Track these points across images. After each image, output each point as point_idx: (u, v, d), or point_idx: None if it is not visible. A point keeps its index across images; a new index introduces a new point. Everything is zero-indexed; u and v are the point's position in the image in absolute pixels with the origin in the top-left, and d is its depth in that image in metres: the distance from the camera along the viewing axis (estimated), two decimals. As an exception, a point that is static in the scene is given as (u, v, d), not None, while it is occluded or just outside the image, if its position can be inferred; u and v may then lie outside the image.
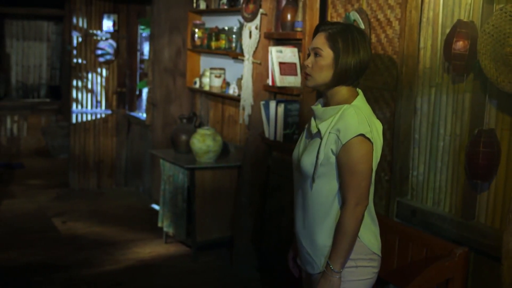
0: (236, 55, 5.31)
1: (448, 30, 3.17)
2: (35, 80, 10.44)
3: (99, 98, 7.64)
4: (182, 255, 5.32)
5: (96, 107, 7.63)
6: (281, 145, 4.64)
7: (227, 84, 5.64)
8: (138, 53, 7.70)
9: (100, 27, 7.53)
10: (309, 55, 2.46)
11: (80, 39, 7.47)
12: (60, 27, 10.12)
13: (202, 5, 5.95)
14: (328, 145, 2.35)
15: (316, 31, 2.47)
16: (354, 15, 3.87)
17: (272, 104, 4.62)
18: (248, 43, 4.95)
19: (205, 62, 6.16)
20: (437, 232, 3.22)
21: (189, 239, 5.29)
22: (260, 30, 4.84)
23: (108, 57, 7.56)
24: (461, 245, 3.02)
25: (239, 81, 5.34)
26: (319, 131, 2.40)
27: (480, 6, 3.03)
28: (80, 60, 7.50)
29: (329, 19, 4.19)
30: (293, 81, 4.62)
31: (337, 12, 4.10)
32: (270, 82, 4.72)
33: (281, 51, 4.63)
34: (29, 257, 5.21)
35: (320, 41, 2.40)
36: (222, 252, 5.34)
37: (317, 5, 4.31)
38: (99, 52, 7.52)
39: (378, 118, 3.69)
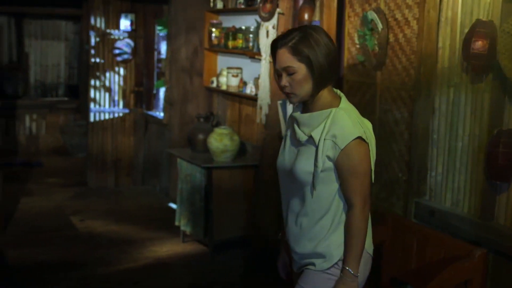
0: (253, 54, 5.32)
1: (467, 30, 3.15)
2: (54, 79, 10.52)
3: (116, 97, 7.68)
4: (199, 254, 5.34)
5: (114, 106, 7.67)
6: (298, 144, 4.63)
7: (244, 83, 5.64)
8: (155, 53, 7.74)
9: (117, 27, 7.57)
10: (280, 75, 2.35)
11: (98, 39, 7.51)
12: (78, 27, 10.19)
13: (219, 5, 5.96)
14: (325, 152, 2.29)
15: (275, 47, 2.36)
16: (372, 15, 3.86)
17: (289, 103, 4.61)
18: (265, 43, 4.94)
19: (222, 61, 6.17)
20: (456, 233, 3.20)
21: (207, 238, 5.31)
22: (277, 30, 4.84)
23: (125, 56, 7.59)
24: (480, 246, 3.01)
25: (256, 80, 5.34)
26: (311, 138, 2.34)
27: (499, 5, 3.01)
28: (98, 59, 7.55)
29: (346, 18, 4.18)
30: (310, 80, 4.60)
31: (355, 11, 4.09)
32: (287, 81, 4.71)
33: (298, 51, 4.62)
34: (47, 254, 5.25)
35: (286, 58, 2.31)
36: (240, 251, 5.34)
37: (335, 4, 4.31)
38: (117, 51, 7.56)
39: (395, 118, 3.70)
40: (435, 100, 3.45)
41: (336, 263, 2.36)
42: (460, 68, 3.28)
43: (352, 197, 2.31)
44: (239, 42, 5.56)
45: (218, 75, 6.01)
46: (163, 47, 7.56)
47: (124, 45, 7.57)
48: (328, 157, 2.30)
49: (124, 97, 7.70)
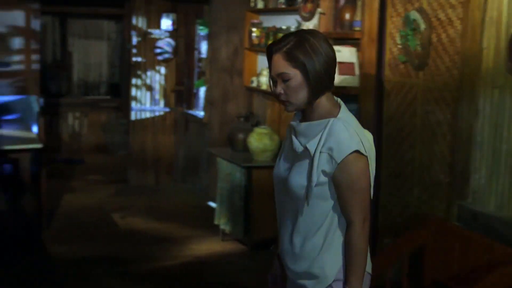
0: (293, 54, 5.30)
1: (512, 30, 3.09)
2: (96, 78, 10.68)
3: (157, 96, 7.76)
4: (238, 253, 5.36)
5: (155, 104, 7.76)
6: (338, 145, 4.61)
7: (284, 83, 5.63)
8: (196, 52, 7.79)
9: (159, 26, 7.65)
10: (275, 82, 2.23)
11: (139, 38, 7.60)
12: (120, 26, 10.32)
13: (260, 4, 5.97)
14: (320, 166, 2.16)
15: (270, 53, 2.23)
16: (414, 15, 3.82)
17: (330, 104, 4.60)
18: (306, 43, 4.93)
19: (263, 61, 6.17)
20: (500, 237, 3.15)
21: (246, 237, 5.32)
22: (318, 29, 4.82)
23: (166, 55, 7.67)
24: (524, 251, 2.95)
25: (296, 80, 5.33)
26: (306, 150, 2.20)
27: (547, 5, 2.95)
28: (139, 59, 7.65)
29: (388, 18, 4.15)
30: (351, 80, 4.58)
31: (397, 11, 4.05)
32: (327, 81, 4.69)
33: (339, 51, 4.60)
34: (89, 250, 5.34)
35: (281, 64, 2.18)
36: (278, 251, 5.34)
37: (376, 4, 4.27)
38: (158, 50, 7.64)
39: (437, 119, 3.65)
40: (478, 102, 3.40)
41: (330, 285, 2.23)
42: (505, 69, 3.22)
43: (350, 214, 2.18)
44: (280, 42, 5.55)
45: (258, 75, 6.02)
46: (204, 47, 7.61)
47: (165, 44, 7.64)
48: (324, 172, 2.17)
49: (164, 96, 7.78)
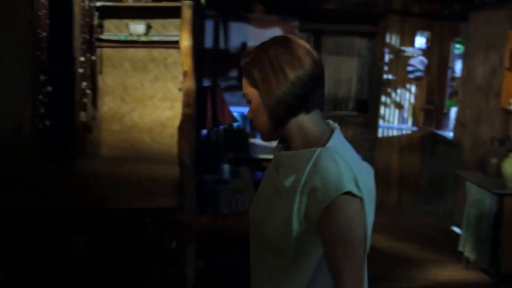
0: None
1: None
2: (345, 93, 10.91)
3: (406, 114, 7.69)
4: (482, 284, 5.08)
5: (403, 123, 7.69)
6: None
7: (547, 107, 5.23)
8: (449, 71, 7.56)
9: (412, 44, 7.58)
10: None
11: (391, 55, 7.61)
12: (372, 44, 10.42)
13: (524, 22, 5.62)
14: (302, 209, 1.65)
15: None
16: None
17: None
18: None
19: (523, 82, 5.79)
20: None
21: (492, 268, 5.02)
22: None
23: (418, 73, 7.57)
24: None
25: (562, 104, 4.92)
26: (286, 187, 1.71)
27: None
28: (390, 76, 7.64)
29: None
30: None
31: None
32: None
33: None
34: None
35: (243, 82, 1.76)
36: (528, 287, 4.97)
37: None
38: (410, 68, 7.57)
39: None
40: None
41: None
42: None
43: (339, 274, 1.64)
44: (545, 63, 5.17)
45: (517, 97, 5.66)
46: (458, 66, 7.36)
47: (418, 62, 7.55)
48: (307, 217, 1.65)
49: (413, 114, 7.68)
